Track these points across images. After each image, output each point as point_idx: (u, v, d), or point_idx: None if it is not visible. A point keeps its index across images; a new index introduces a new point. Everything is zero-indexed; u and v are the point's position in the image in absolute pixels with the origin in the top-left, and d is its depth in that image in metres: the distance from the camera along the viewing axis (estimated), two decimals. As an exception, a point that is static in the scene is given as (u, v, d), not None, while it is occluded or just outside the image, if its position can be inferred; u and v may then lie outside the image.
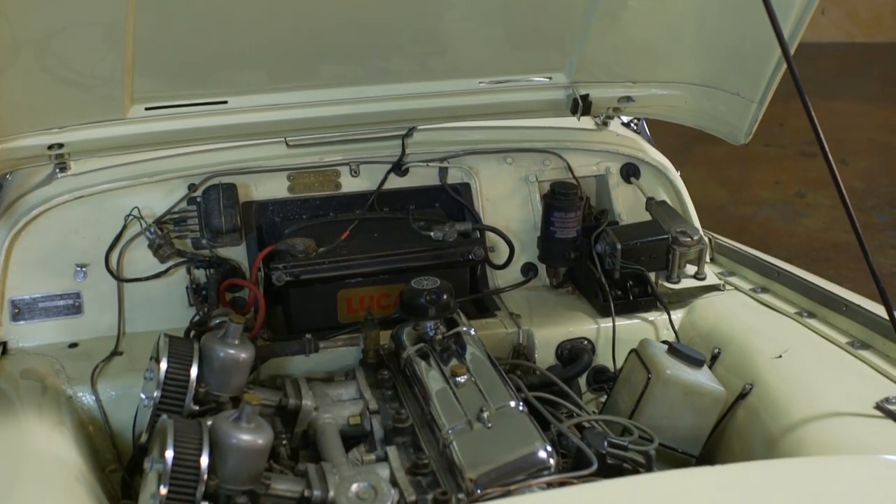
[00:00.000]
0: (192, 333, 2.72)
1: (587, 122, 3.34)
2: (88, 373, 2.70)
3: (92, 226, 2.92)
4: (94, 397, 2.66)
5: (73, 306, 2.89)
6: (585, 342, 2.94)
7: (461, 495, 2.09)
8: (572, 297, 3.13)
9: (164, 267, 2.92)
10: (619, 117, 3.42)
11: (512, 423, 2.26)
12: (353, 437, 2.50)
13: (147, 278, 2.90)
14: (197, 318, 2.78)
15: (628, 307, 3.00)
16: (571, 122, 3.32)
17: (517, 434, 2.23)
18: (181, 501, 2.01)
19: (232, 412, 2.12)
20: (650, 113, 3.27)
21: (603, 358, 2.96)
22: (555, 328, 2.96)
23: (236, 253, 3.02)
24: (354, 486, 1.96)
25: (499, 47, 3.05)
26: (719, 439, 2.61)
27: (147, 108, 2.84)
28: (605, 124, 3.35)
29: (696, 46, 2.99)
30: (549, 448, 2.17)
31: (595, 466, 2.17)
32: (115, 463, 2.66)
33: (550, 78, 3.14)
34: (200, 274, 2.97)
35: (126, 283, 2.91)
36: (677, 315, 2.99)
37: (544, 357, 2.93)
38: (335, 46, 2.88)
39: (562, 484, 2.11)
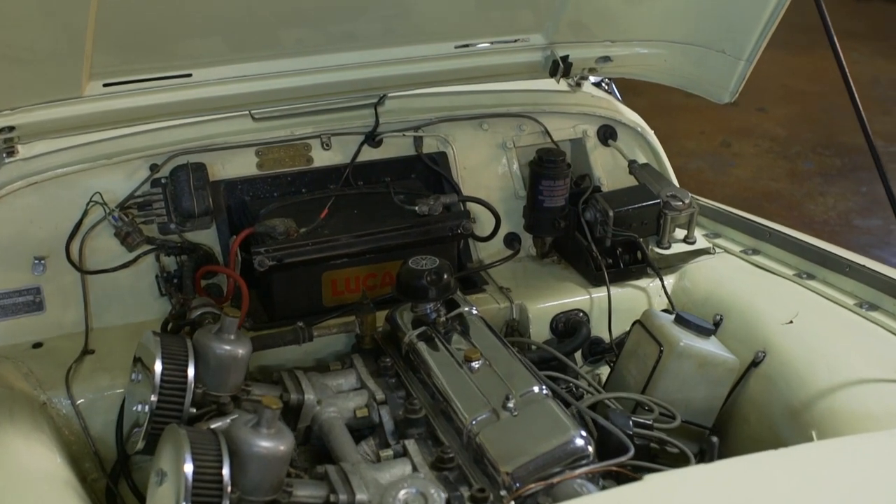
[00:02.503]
0: (170, 326, 2.54)
1: (560, 83, 3.22)
2: (59, 375, 2.49)
3: (48, 214, 2.68)
4: (69, 402, 2.45)
5: (33, 302, 2.67)
6: (581, 314, 2.84)
7: (503, 492, 1.97)
8: (559, 267, 3.02)
9: (132, 256, 2.70)
10: (590, 78, 3.31)
11: (541, 411, 2.15)
12: (357, 430, 2.36)
13: (115, 269, 2.69)
14: (175, 310, 2.59)
15: (619, 275, 2.91)
16: (543, 84, 3.21)
17: (548, 422, 2.12)
18: (206, 519, 1.85)
19: (249, 417, 1.95)
20: (626, 73, 3.16)
21: (596, 328, 2.86)
22: (547, 300, 2.85)
23: (205, 237, 2.82)
24: (402, 493, 1.82)
25: (473, 9, 2.90)
26: (731, 409, 2.55)
27: (105, 85, 2.62)
28: (579, 85, 3.24)
29: (679, 3, 2.88)
30: (584, 434, 2.07)
31: (632, 452, 2.09)
32: (98, 471, 2.46)
33: (528, 39, 3.01)
34: (170, 261, 2.77)
35: (90, 275, 2.69)
36: (668, 281, 2.91)
37: (539, 331, 2.82)
38: (302, 11, 2.69)
39: (605, 473, 2.03)
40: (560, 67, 3.00)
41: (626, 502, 1.66)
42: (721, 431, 2.54)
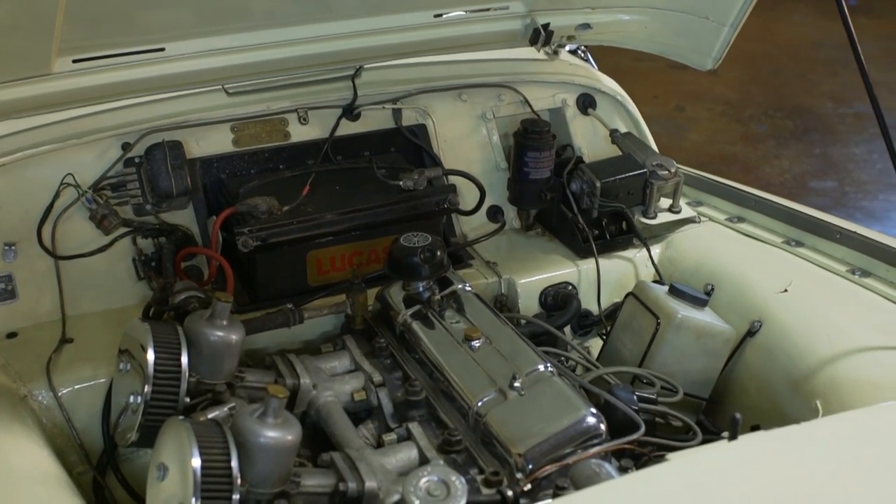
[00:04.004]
0: (152, 311, 2.44)
1: (535, 52, 3.16)
2: (38, 366, 2.38)
3: (17, 198, 2.57)
4: (51, 394, 2.35)
5: (5, 291, 2.55)
6: (570, 287, 2.80)
7: (519, 474, 1.92)
8: (544, 240, 2.98)
9: (108, 239, 2.60)
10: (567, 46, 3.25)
11: (548, 389, 2.10)
12: (354, 414, 2.29)
13: (90, 254, 2.58)
14: (156, 294, 2.49)
15: (605, 247, 2.87)
16: (520, 53, 3.15)
17: (558, 400, 2.07)
18: (216, 514, 1.78)
19: (254, 407, 1.88)
20: (606, 40, 3.11)
21: (583, 301, 2.81)
22: (535, 274, 2.80)
23: (182, 217, 2.72)
24: (423, 482, 1.76)
25: (451, -25, 2.83)
26: (728, 380, 2.54)
27: (75, 61, 2.51)
28: (556, 53, 3.18)
29: (662, -32, 2.85)
30: (595, 412, 2.03)
31: (643, 429, 2.06)
32: (84, 464, 2.37)
33: (507, 7, 2.94)
34: (146, 244, 2.67)
35: (65, 260, 2.58)
36: (654, 251, 2.88)
37: (528, 305, 2.77)
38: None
39: (618, 452, 1.99)
40: (541, 35, 2.95)
41: (656, 483, 1.62)
42: (718, 402, 2.54)
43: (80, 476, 2.35)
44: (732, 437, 1.74)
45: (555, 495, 1.87)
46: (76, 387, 2.37)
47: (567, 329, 2.78)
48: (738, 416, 1.73)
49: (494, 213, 2.99)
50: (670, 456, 1.76)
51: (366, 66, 2.91)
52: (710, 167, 6.39)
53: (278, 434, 1.85)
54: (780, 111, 7.36)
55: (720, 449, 1.73)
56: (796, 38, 8.72)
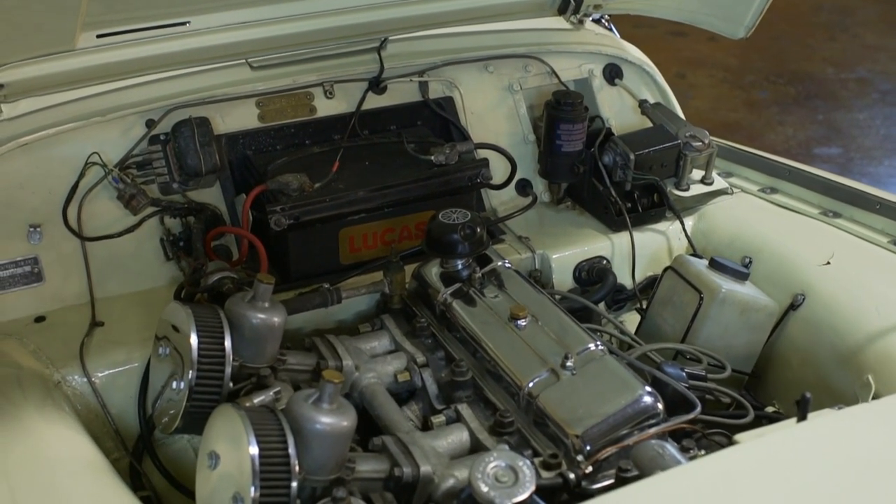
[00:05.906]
0: (184, 293, 2.39)
1: (560, 21, 3.10)
2: (69, 351, 2.32)
3: (40, 178, 2.50)
4: (86, 380, 2.29)
5: (31, 273, 2.49)
6: (604, 261, 2.75)
7: (579, 457, 1.89)
8: (575, 213, 2.92)
9: (136, 219, 2.53)
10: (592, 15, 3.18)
11: (601, 369, 2.06)
12: (396, 395, 2.24)
13: (119, 234, 2.51)
14: (189, 276, 2.44)
15: (638, 220, 2.82)
16: (544, 23, 3.08)
17: (612, 380, 2.03)
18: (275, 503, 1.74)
19: (309, 392, 1.83)
20: (633, 9, 3.07)
21: (616, 274, 2.77)
22: (569, 248, 2.75)
23: (208, 195, 2.66)
24: (491, 468, 1.71)
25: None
26: (770, 354, 2.50)
27: (99, 36, 2.44)
28: (581, 23, 3.12)
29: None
30: (651, 391, 1.99)
31: (699, 408, 2.02)
32: (120, 450, 2.32)
33: (535, -25, 2.88)
34: (174, 223, 2.60)
35: (91, 241, 2.51)
36: (687, 223, 2.83)
37: (562, 280, 2.73)
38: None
39: (675, 433, 1.95)
40: (570, 4, 2.88)
41: (732, 467, 1.59)
42: (760, 377, 2.51)
43: (115, 462, 2.29)
44: (802, 417, 1.71)
45: (618, 478, 1.83)
46: (110, 371, 2.32)
47: (601, 304, 2.74)
48: (807, 395, 1.70)
49: (523, 187, 2.94)
50: (739, 437, 1.73)
51: (391, 39, 2.85)
52: (716, 135, 6.36)
53: (334, 420, 1.80)
54: (781, 77, 7.30)
55: (791, 430, 1.70)
56: (794, 3, 8.65)
